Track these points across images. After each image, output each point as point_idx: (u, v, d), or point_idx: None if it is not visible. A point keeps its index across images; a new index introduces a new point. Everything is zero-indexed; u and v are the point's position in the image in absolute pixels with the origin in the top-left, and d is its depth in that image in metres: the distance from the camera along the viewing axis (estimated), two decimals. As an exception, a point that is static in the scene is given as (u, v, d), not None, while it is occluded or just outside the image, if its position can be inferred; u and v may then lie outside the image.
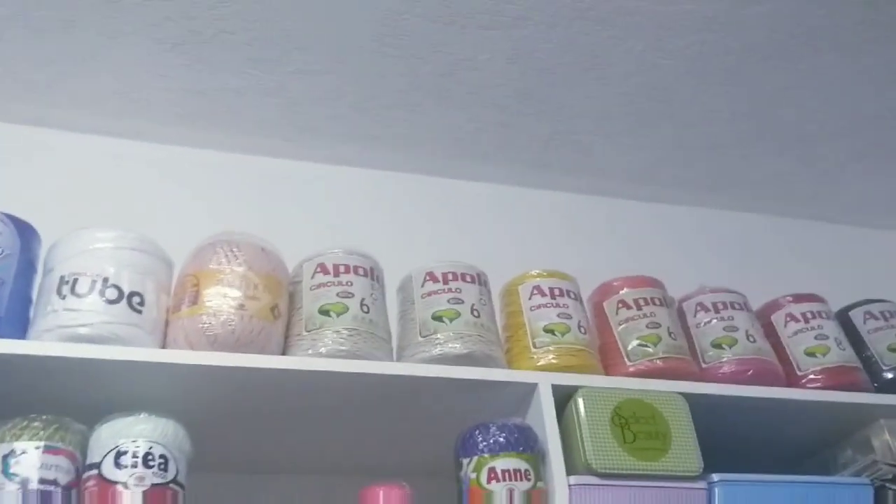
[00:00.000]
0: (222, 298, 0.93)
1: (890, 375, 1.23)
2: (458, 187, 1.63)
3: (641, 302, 1.15)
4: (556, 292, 1.12)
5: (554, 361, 1.04)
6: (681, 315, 1.22)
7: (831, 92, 1.55)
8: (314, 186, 1.54)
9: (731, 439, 1.18)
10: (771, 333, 1.25)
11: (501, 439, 0.92)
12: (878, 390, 1.20)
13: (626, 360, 1.10)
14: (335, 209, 1.53)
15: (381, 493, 0.87)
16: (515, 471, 0.90)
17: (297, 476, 1.07)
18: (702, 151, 1.67)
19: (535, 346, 1.06)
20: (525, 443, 0.93)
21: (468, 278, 1.08)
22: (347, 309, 0.99)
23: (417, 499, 0.93)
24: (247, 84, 1.42)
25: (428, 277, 1.08)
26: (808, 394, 1.12)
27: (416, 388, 0.98)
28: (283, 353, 0.97)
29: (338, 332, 0.97)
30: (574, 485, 0.94)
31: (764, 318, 1.27)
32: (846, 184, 1.78)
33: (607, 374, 1.09)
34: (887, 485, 1.07)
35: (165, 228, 1.08)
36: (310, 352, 0.95)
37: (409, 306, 1.07)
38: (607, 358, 1.12)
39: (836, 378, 1.17)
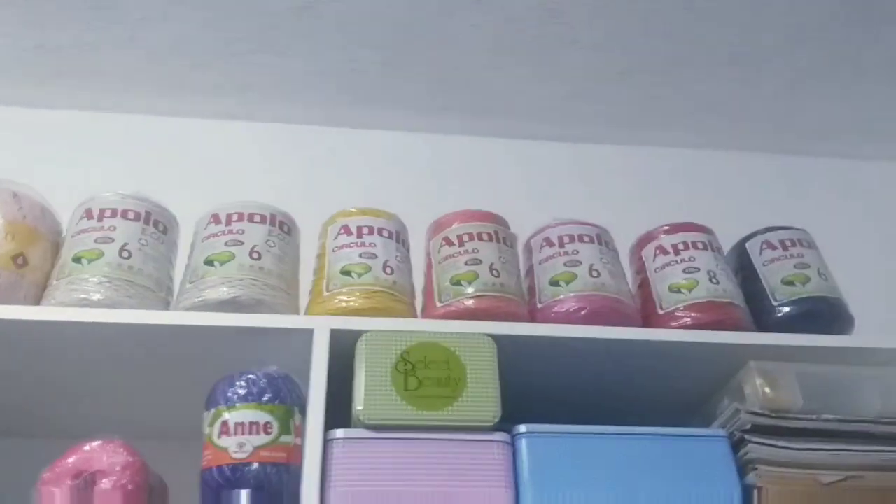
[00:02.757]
0: (-46, 246, 0.87)
1: (781, 313, 1.05)
2: (344, 136, 1.51)
3: (465, 237, 1.01)
4: (365, 231, 1.00)
5: (344, 305, 0.93)
6: (528, 252, 1.08)
7: (759, 6, 1.35)
8: (186, 143, 1.46)
9: (589, 392, 1.04)
10: (641, 269, 1.09)
11: (241, 390, 0.81)
12: (767, 329, 1.03)
13: (436, 301, 0.97)
14: (209, 166, 1.44)
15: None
16: (252, 423, 0.79)
17: (58, 440, 0.99)
18: (615, 82, 1.49)
19: (327, 290, 0.95)
20: (273, 393, 0.82)
21: (256, 219, 0.98)
22: (102, 255, 0.91)
23: (182, 459, 0.84)
24: (98, 37, 1.35)
25: (211, 220, 0.98)
26: (653, 333, 0.96)
27: (176, 340, 0.89)
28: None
29: (85, 279, 0.89)
30: (334, 439, 0.82)
31: (636, 253, 1.12)
32: (789, 108, 1.55)
33: (423, 318, 0.98)
34: (746, 436, 0.90)
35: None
36: (52, 302, 0.88)
37: (191, 252, 0.98)
38: (425, 301, 1.00)
39: (704, 316, 1.00)
